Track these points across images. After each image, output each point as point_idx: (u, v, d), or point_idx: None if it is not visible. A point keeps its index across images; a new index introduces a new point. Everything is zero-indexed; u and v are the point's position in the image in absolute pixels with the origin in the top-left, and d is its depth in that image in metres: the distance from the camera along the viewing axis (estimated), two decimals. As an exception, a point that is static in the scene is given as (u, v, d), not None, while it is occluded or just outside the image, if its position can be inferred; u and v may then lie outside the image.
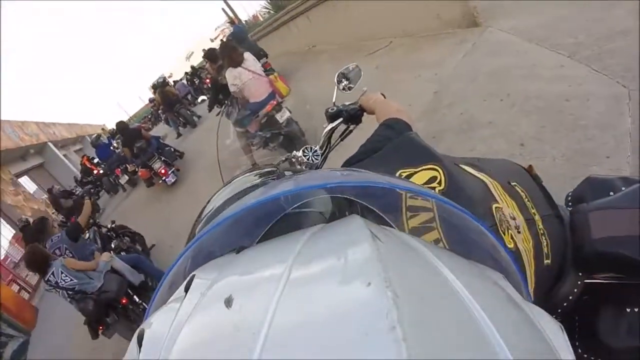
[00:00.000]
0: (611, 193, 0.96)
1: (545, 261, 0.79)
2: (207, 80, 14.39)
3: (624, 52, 2.94)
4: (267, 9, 12.58)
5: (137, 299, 4.18)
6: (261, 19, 13.36)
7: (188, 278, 0.47)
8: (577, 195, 1.06)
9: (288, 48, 10.59)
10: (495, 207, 0.75)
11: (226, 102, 5.38)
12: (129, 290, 4.15)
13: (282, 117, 4.53)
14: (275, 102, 4.58)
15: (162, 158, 7.85)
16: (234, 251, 0.55)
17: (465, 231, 0.60)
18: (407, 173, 0.78)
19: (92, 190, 11.26)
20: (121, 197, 11.13)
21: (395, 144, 0.88)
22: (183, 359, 0.33)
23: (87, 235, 5.29)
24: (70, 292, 3.82)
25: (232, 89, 4.54)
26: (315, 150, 1.51)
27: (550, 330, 0.38)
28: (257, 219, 0.62)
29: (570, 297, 0.88)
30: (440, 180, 0.76)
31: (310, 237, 0.46)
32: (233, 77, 4.48)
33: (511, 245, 0.72)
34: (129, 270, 4.28)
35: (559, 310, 0.91)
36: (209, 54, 5.81)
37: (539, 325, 0.37)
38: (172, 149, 8.74)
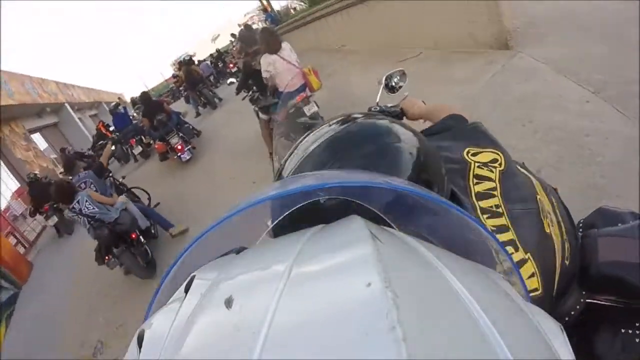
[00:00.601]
0: (619, 224, 1.04)
1: (566, 261, 0.88)
2: (231, 65, 14.49)
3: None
4: (303, 2, 12.64)
5: (142, 239, 4.94)
6: (293, 12, 13.37)
7: (188, 279, 0.48)
8: (589, 222, 1.13)
9: (318, 44, 10.65)
10: (539, 198, 0.84)
11: (254, 87, 5.50)
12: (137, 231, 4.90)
13: (309, 110, 4.58)
14: (305, 95, 4.63)
15: (180, 134, 7.83)
16: (234, 251, 0.56)
17: (467, 234, 0.64)
18: (474, 151, 0.87)
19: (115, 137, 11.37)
20: (132, 166, 11.20)
21: (464, 128, 0.96)
22: (183, 359, 0.34)
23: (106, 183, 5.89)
24: (90, 220, 4.59)
25: (264, 74, 4.62)
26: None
27: (549, 330, 0.39)
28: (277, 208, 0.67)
29: (572, 313, 0.96)
30: (501, 162, 0.85)
31: (310, 237, 0.47)
32: (267, 63, 4.56)
33: (548, 231, 0.81)
34: (139, 214, 5.06)
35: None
36: (245, 37, 5.88)
37: (538, 326, 0.37)
38: (191, 127, 8.74)
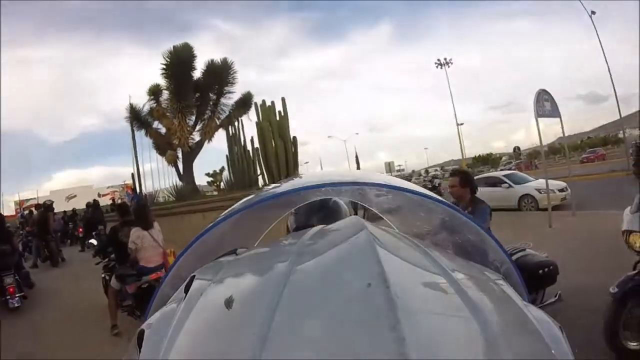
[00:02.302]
0: None
1: None
2: (80, 230, 13.93)
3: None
4: (171, 194, 13.32)
5: None
6: (160, 199, 13.88)
7: (188, 279, 0.48)
8: None
9: (173, 237, 10.83)
10: None
11: (112, 255, 5.65)
12: None
13: (161, 290, 4.71)
14: (161, 274, 4.85)
15: (16, 277, 6.94)
16: (234, 252, 0.57)
17: (468, 236, 0.68)
18: None
19: None
20: None
21: None
22: (183, 359, 0.35)
23: None
24: None
25: (131, 245, 4.95)
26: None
27: (549, 331, 0.40)
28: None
29: None
30: None
31: (310, 238, 0.48)
32: (137, 236, 4.96)
33: None
34: None
35: None
36: (122, 207, 6.16)
37: (538, 326, 0.38)
38: (29, 274, 7.87)
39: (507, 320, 0.37)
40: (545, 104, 9.96)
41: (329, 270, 0.40)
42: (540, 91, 9.90)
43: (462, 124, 44.79)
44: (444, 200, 0.71)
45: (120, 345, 4.67)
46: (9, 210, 29.89)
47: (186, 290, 0.46)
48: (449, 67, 45.95)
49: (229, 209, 0.77)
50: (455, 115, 43.19)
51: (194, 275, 0.50)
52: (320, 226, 0.55)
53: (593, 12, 25.51)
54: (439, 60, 46.25)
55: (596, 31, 25.32)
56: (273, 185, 0.94)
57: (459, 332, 0.32)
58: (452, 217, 0.74)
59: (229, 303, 0.37)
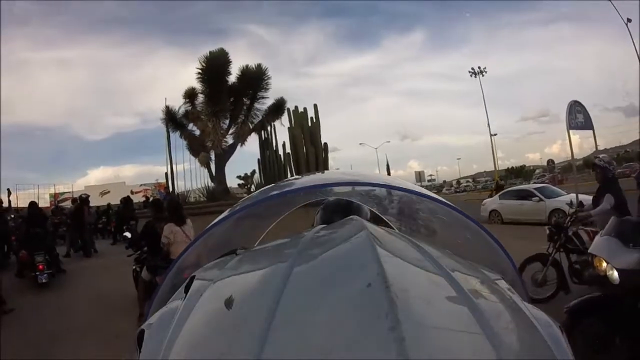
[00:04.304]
0: None
1: None
2: (113, 224, 14.37)
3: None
4: (202, 194, 13.71)
5: None
6: (192, 199, 14.21)
7: (188, 279, 0.50)
8: None
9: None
10: None
11: (145, 247, 5.84)
12: None
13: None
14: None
15: (47, 257, 7.63)
16: (234, 252, 0.57)
17: (466, 234, 0.69)
18: None
19: None
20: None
21: None
22: (183, 359, 0.35)
23: None
24: None
25: (164, 240, 5.11)
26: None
27: (549, 330, 0.40)
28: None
29: None
30: None
31: (310, 238, 0.48)
32: (170, 231, 5.11)
33: None
34: None
35: None
36: (156, 204, 6.41)
37: (537, 326, 0.38)
38: (60, 259, 8.49)
39: (507, 320, 0.37)
40: (578, 116, 9.52)
41: (329, 271, 0.40)
42: (573, 103, 9.45)
43: (495, 134, 43.72)
44: (444, 200, 0.72)
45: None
46: (43, 202, 30.74)
47: (186, 290, 0.48)
48: (482, 75, 45.00)
49: (229, 209, 0.78)
50: (489, 125, 42.24)
51: (194, 276, 0.51)
52: (321, 226, 0.57)
53: (629, 20, 24.53)
54: (472, 69, 45.50)
55: (632, 39, 24.21)
56: (272, 185, 0.93)
57: (459, 333, 0.32)
58: (452, 217, 0.74)
59: (229, 303, 0.38)
